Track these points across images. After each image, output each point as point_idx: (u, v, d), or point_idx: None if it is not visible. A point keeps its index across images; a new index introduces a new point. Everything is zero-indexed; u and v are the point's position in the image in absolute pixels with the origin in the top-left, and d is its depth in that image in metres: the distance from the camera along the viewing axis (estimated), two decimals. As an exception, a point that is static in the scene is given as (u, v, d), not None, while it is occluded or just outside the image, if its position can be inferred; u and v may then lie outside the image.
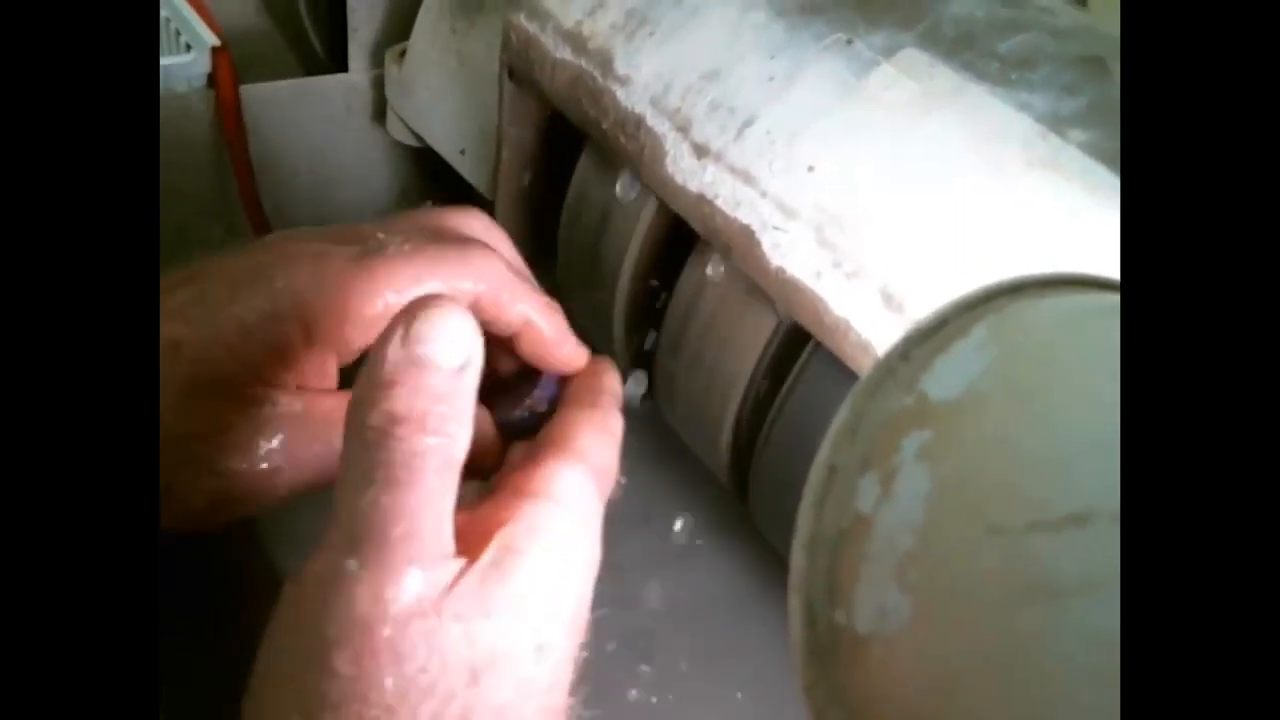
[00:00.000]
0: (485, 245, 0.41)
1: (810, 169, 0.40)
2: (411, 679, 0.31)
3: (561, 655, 0.34)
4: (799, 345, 0.42)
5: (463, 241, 0.41)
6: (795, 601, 0.22)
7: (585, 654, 0.35)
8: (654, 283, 0.49)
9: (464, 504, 0.34)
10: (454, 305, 0.33)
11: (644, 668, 0.48)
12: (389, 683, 0.31)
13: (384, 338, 0.33)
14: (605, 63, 0.46)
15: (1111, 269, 0.26)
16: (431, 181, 0.72)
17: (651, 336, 0.49)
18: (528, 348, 0.41)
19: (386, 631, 0.31)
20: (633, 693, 0.47)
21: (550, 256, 0.53)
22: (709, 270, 0.45)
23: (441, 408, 0.32)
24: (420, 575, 0.31)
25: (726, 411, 0.45)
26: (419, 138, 0.67)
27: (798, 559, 0.23)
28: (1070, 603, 0.18)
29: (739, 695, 0.48)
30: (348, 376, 0.38)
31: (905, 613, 0.20)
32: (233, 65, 0.66)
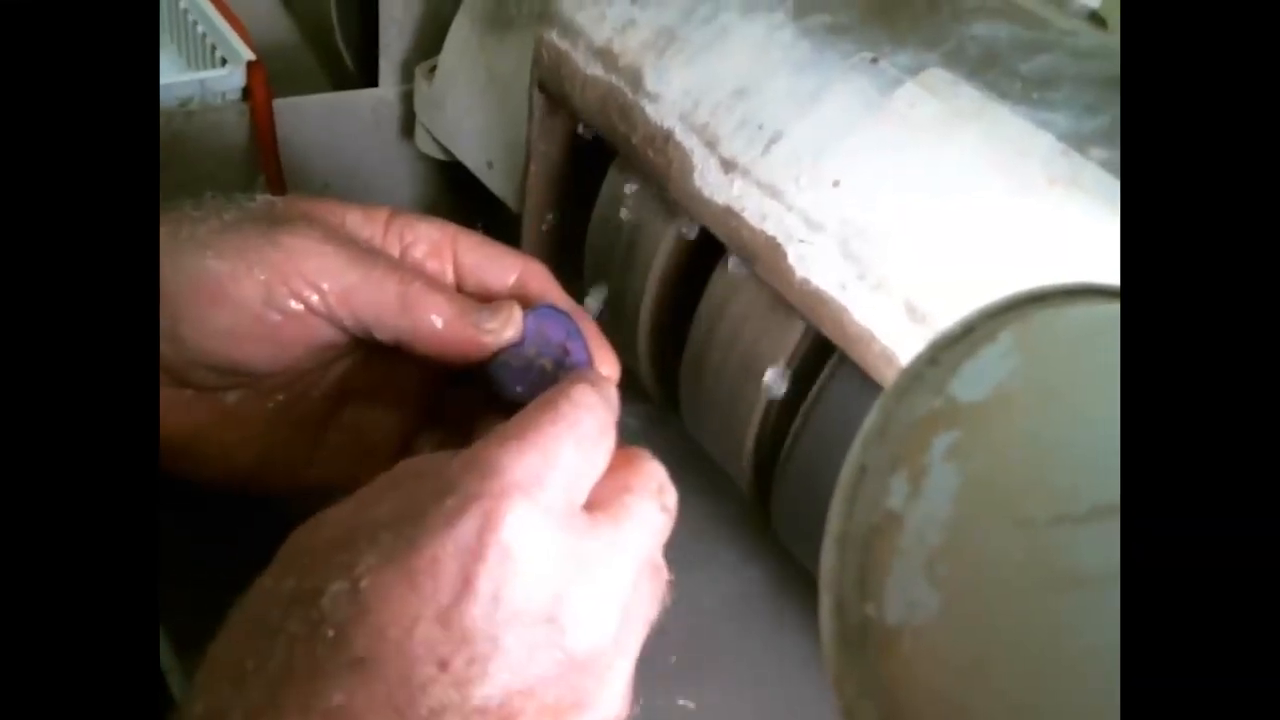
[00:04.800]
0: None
1: (836, 183, 0.40)
2: None
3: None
4: (822, 357, 0.43)
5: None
6: (826, 596, 0.23)
7: None
8: (679, 293, 0.50)
9: None
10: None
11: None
12: None
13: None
14: (635, 79, 0.47)
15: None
16: (458, 194, 0.74)
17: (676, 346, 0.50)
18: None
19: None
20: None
21: (578, 274, 0.54)
22: (725, 277, 0.45)
23: None
24: None
25: (749, 423, 0.45)
26: (446, 151, 0.68)
27: (829, 555, 0.23)
28: (1095, 592, 0.19)
29: (749, 697, 0.49)
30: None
31: (934, 605, 0.21)
32: (267, 79, 0.67)
